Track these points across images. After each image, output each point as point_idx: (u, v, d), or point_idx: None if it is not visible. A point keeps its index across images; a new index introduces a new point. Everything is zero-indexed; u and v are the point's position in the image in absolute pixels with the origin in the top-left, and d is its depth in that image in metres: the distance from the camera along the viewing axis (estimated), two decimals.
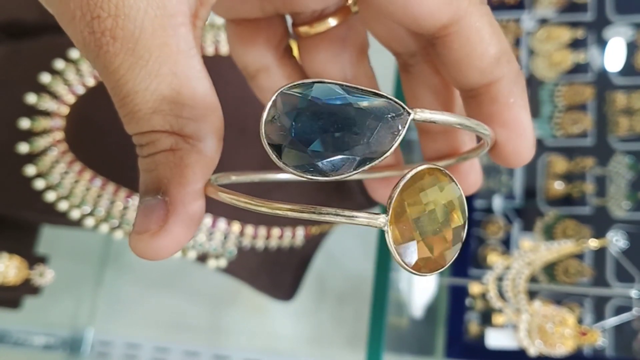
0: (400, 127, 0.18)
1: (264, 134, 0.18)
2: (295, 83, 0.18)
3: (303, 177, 0.18)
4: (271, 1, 0.25)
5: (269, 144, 0.18)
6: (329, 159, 0.18)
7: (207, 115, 0.20)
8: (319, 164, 0.18)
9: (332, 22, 0.26)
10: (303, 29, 0.26)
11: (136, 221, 0.20)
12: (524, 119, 0.22)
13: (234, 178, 0.21)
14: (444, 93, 0.26)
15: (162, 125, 0.20)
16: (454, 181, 0.19)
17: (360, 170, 0.18)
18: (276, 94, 0.18)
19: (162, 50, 0.19)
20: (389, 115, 0.18)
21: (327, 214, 0.18)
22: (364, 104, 0.18)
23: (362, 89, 0.18)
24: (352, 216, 0.18)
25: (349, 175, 0.18)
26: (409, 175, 0.18)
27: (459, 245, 0.20)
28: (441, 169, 0.19)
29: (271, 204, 0.19)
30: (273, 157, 0.18)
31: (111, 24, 0.19)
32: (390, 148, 0.18)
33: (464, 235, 0.20)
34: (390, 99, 0.18)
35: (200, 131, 0.20)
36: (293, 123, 0.18)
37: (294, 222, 0.70)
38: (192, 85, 0.20)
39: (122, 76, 0.19)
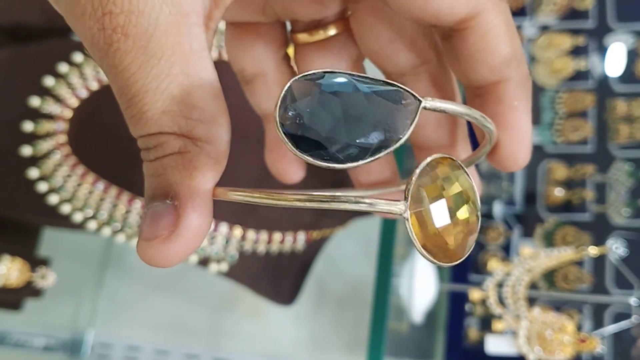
0: (412, 114, 0.18)
1: (278, 123, 0.18)
2: (306, 73, 0.18)
3: (319, 164, 0.18)
4: (273, 6, 0.26)
5: (283, 132, 0.18)
6: (343, 146, 0.18)
7: (216, 118, 0.20)
8: (335, 152, 0.18)
9: (331, 31, 0.26)
10: (302, 36, 0.26)
11: (143, 228, 0.19)
12: (525, 123, 0.22)
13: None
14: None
15: (171, 127, 0.19)
16: (466, 172, 0.19)
17: (375, 157, 0.18)
18: (289, 83, 0.18)
19: (174, 50, 0.19)
20: (402, 103, 0.18)
21: (347, 201, 0.18)
22: (374, 92, 0.18)
23: (371, 78, 0.18)
24: (372, 203, 0.18)
25: (365, 162, 0.18)
26: (424, 163, 0.18)
27: (475, 237, 0.20)
28: (454, 158, 0.19)
29: (286, 197, 0.18)
30: (289, 145, 0.18)
31: (124, 21, 0.18)
32: (405, 134, 0.18)
33: (479, 226, 0.20)
34: (401, 87, 0.18)
35: (209, 133, 0.20)
36: (307, 110, 0.18)
37: (295, 227, 0.71)
38: (203, 86, 0.19)
39: (132, 74, 0.19)
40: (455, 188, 0.19)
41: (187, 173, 0.19)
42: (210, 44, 0.20)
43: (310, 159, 0.18)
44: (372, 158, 0.18)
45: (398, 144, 0.18)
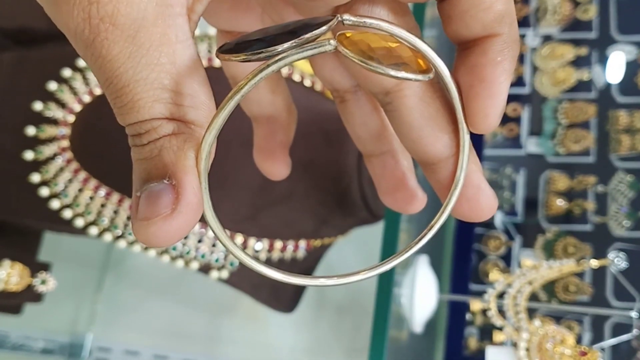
0: (327, 26, 0.19)
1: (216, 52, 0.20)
2: (250, 33, 0.20)
3: (250, 59, 0.19)
4: (271, 15, 0.26)
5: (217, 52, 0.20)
6: (263, 40, 0.19)
7: (206, 103, 0.20)
8: (257, 44, 0.19)
9: None
10: None
11: (140, 208, 0.19)
12: (503, 80, 0.22)
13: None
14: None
15: (163, 113, 0.20)
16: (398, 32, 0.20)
17: (301, 37, 0.18)
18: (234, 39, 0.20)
19: (162, 40, 0.19)
20: (317, 19, 0.19)
21: (282, 50, 0.18)
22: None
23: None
24: (298, 44, 0.18)
25: (294, 46, 0.18)
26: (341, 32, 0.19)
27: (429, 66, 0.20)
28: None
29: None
30: (218, 54, 0.20)
31: (112, 10, 0.18)
32: (324, 26, 0.19)
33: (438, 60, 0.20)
34: (325, 16, 0.19)
35: (201, 118, 0.20)
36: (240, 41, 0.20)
37: (296, 235, 0.71)
38: (190, 74, 0.20)
39: (122, 64, 0.19)
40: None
41: (183, 153, 0.19)
42: (193, 34, 0.21)
43: (233, 58, 0.19)
44: (294, 41, 0.18)
45: (317, 32, 0.18)
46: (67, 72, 0.68)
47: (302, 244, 0.71)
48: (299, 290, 0.76)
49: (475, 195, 0.24)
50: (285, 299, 0.75)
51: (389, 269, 0.22)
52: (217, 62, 0.70)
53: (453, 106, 0.23)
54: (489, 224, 0.89)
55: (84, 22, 0.19)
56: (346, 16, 0.19)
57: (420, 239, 0.24)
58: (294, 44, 0.18)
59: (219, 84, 0.62)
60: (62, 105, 0.68)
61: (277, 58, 0.18)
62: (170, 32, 0.19)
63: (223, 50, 0.20)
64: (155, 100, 0.19)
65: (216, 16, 0.27)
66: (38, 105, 0.67)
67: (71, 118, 0.68)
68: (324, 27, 0.18)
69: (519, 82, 0.95)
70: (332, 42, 0.18)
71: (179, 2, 0.20)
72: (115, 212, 0.67)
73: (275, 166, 0.31)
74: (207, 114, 0.20)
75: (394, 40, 0.20)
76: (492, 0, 0.21)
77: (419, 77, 0.19)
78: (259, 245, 0.68)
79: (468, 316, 0.84)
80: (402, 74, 0.19)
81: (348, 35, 0.19)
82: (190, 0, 0.20)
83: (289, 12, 0.25)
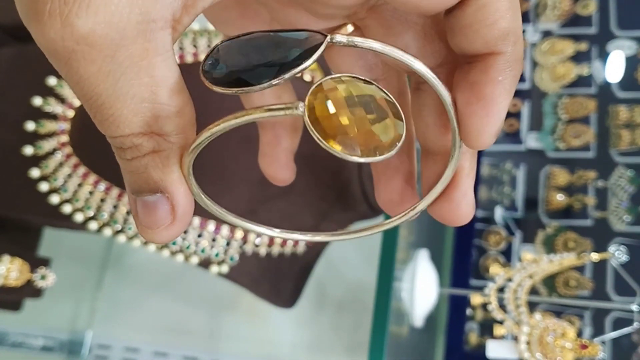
0: (317, 48, 0.19)
1: (201, 70, 0.20)
2: (230, 36, 0.20)
3: (229, 91, 0.19)
4: (280, 22, 0.25)
5: (203, 72, 0.20)
6: (251, 69, 0.19)
7: (182, 110, 0.21)
8: (242, 75, 0.19)
9: (349, 27, 0.26)
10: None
11: (141, 216, 0.21)
12: (501, 102, 0.22)
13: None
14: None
15: (142, 127, 0.20)
16: (375, 84, 0.19)
17: (280, 77, 0.19)
18: (214, 46, 0.20)
19: (141, 55, 0.19)
20: (308, 38, 0.19)
21: (251, 113, 0.19)
22: (285, 34, 0.19)
23: (287, 29, 0.20)
24: (271, 109, 0.19)
25: (273, 85, 0.19)
26: (329, 77, 0.19)
27: (397, 139, 0.19)
28: (362, 77, 0.19)
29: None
30: (206, 83, 0.20)
31: (87, 32, 0.18)
32: (309, 60, 0.19)
33: (404, 130, 0.19)
34: (312, 31, 0.19)
35: (178, 126, 0.21)
36: (224, 54, 0.20)
37: (296, 230, 0.70)
38: (167, 84, 0.20)
39: (101, 82, 0.19)
40: (368, 93, 0.19)
41: (168, 170, 0.21)
42: (174, 42, 0.21)
43: (221, 89, 0.19)
44: (279, 78, 0.19)
45: (303, 67, 0.19)
46: None
47: None
48: (299, 285, 0.76)
49: (459, 200, 0.24)
50: (285, 294, 0.74)
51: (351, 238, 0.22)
52: None
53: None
54: (489, 219, 0.89)
55: (55, 44, 0.18)
56: (338, 37, 0.19)
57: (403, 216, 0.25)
58: (265, 109, 0.19)
59: None
60: (61, 100, 0.68)
61: (246, 115, 0.19)
62: (150, 46, 0.19)
63: (205, 71, 0.20)
64: (135, 115, 0.20)
65: (225, 23, 0.26)
66: (37, 101, 0.67)
67: (71, 113, 0.68)
68: (306, 64, 0.19)
69: None
70: (301, 108, 0.18)
71: (163, 17, 0.19)
72: (115, 206, 0.67)
73: (280, 172, 0.31)
74: (184, 121, 0.21)
75: (370, 103, 0.19)
76: (497, 17, 0.21)
77: (372, 159, 0.19)
78: (259, 240, 0.68)
79: (468, 311, 0.84)
80: (354, 158, 0.19)
81: (320, 101, 0.19)
82: (178, 13, 0.20)
83: (297, 18, 0.24)
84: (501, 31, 0.21)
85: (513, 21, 0.21)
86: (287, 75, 0.19)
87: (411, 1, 0.21)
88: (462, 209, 0.25)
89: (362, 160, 0.19)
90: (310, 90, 0.19)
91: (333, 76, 0.19)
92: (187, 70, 0.21)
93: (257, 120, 0.20)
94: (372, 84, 0.19)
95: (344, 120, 0.19)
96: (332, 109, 0.19)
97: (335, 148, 0.19)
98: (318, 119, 0.19)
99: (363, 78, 0.19)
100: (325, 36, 0.19)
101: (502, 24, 0.21)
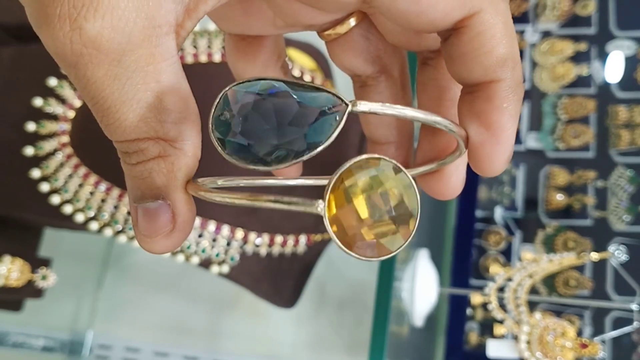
0: (338, 119, 0.19)
1: (212, 128, 0.19)
2: (240, 81, 0.19)
3: (247, 167, 0.19)
4: (284, 19, 0.25)
5: (216, 137, 0.19)
6: (271, 150, 0.19)
7: (187, 116, 0.21)
8: (263, 155, 0.19)
9: (352, 22, 0.26)
10: (325, 33, 0.26)
11: (140, 225, 0.21)
12: (510, 127, 0.22)
13: (220, 182, 0.22)
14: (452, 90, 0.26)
15: (147, 132, 0.20)
16: (402, 170, 0.19)
17: (299, 159, 0.19)
18: (224, 92, 0.19)
19: (147, 60, 0.19)
20: (327, 107, 0.19)
21: (267, 201, 0.19)
22: (305, 98, 0.19)
23: (303, 84, 0.19)
24: (291, 202, 0.18)
25: (289, 164, 0.19)
26: (348, 164, 0.19)
27: (407, 234, 0.19)
28: (387, 159, 0.19)
29: (224, 195, 0.20)
30: (219, 149, 0.19)
31: (95, 36, 0.18)
32: (327, 140, 0.19)
33: (415, 225, 0.19)
34: (331, 92, 0.19)
35: (183, 132, 0.21)
36: (239, 118, 0.19)
37: (297, 230, 0.71)
38: (173, 90, 0.20)
39: (107, 86, 0.19)
40: (388, 186, 0.19)
41: (173, 176, 0.21)
42: (179, 47, 0.21)
43: (237, 162, 0.19)
44: (296, 161, 0.19)
45: (319, 149, 0.19)
46: None
47: (303, 238, 0.71)
48: (300, 285, 0.76)
49: (450, 173, 0.25)
50: (285, 293, 0.75)
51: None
52: (216, 58, 0.70)
53: None
54: (489, 219, 0.89)
55: (64, 47, 0.18)
56: (360, 107, 0.19)
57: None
58: (285, 201, 0.18)
59: (218, 80, 0.62)
60: (62, 100, 0.68)
61: (260, 201, 0.19)
62: (156, 52, 0.19)
63: (216, 131, 0.19)
64: (141, 120, 0.20)
65: (228, 21, 0.26)
66: (38, 101, 0.67)
67: (71, 114, 0.68)
68: (323, 145, 0.19)
69: None
70: (320, 207, 0.18)
71: (167, 21, 0.19)
72: (116, 207, 0.67)
73: (286, 170, 0.31)
74: (189, 126, 0.21)
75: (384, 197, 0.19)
76: (493, 44, 0.21)
77: (384, 257, 0.19)
78: (260, 240, 0.68)
79: (469, 311, 0.84)
80: (369, 259, 0.19)
81: (340, 201, 0.19)
82: (180, 17, 0.20)
83: (300, 15, 0.24)
84: (499, 58, 0.21)
85: (510, 47, 0.21)
86: (304, 158, 0.19)
87: (404, 15, 0.21)
88: (452, 182, 0.25)
89: (375, 259, 0.19)
90: (330, 187, 0.18)
91: (356, 160, 0.19)
92: (187, 71, 0.21)
93: (271, 208, 0.19)
94: (400, 169, 0.19)
95: (365, 231, 0.19)
96: (352, 218, 0.19)
97: (354, 252, 0.19)
98: (338, 217, 0.19)
99: (388, 160, 0.19)
100: (347, 105, 0.19)
101: (499, 50, 0.21)
